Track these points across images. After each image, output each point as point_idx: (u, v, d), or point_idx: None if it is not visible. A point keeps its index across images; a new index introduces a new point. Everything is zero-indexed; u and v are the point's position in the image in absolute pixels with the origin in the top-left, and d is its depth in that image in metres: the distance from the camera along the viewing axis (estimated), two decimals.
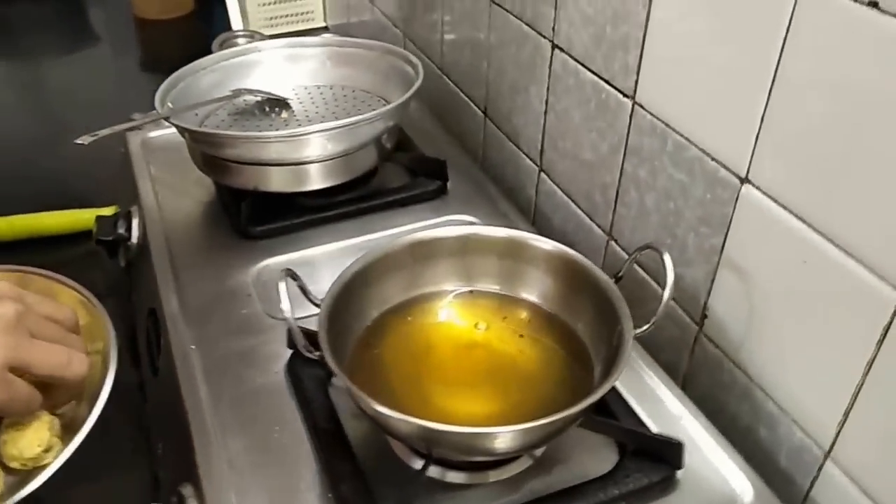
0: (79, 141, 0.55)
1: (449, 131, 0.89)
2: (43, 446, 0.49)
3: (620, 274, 0.53)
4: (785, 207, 0.48)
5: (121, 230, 0.70)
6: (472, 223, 0.72)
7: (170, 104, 0.69)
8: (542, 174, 0.77)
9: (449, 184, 0.76)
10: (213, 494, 0.47)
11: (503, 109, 0.82)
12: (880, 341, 0.44)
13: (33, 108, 1.28)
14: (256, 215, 0.69)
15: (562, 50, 0.67)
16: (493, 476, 0.50)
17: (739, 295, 0.55)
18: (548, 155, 0.75)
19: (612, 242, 0.69)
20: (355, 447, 0.50)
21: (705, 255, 0.57)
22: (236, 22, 1.22)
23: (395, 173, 0.78)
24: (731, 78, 0.50)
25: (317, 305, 0.49)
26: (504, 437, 0.44)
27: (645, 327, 0.49)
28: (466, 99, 0.90)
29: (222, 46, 1.01)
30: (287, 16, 1.34)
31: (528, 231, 0.70)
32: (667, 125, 0.57)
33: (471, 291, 0.57)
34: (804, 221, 0.47)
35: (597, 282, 0.52)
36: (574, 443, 0.51)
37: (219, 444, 0.51)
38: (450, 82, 0.93)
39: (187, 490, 0.48)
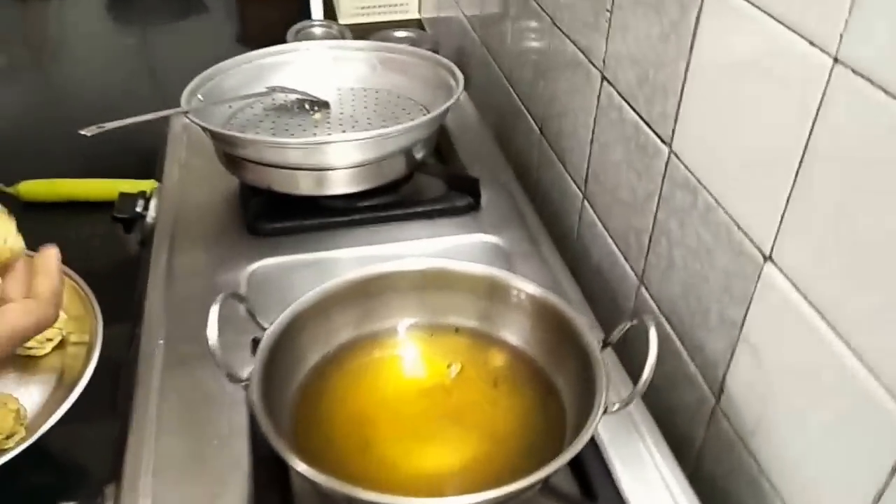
0: (83, 132, 0.55)
1: (508, 145, 0.85)
2: (4, 434, 0.49)
3: (610, 340, 0.47)
4: (805, 297, 0.42)
5: (138, 209, 0.70)
6: (495, 245, 0.68)
7: (199, 97, 0.67)
8: (586, 203, 0.72)
9: (487, 200, 0.72)
10: (129, 499, 0.45)
11: (554, 129, 0.77)
12: (893, 470, 0.37)
13: (132, 70, 1.32)
14: (269, 211, 0.67)
15: (609, 83, 0.62)
16: None
17: (755, 377, 0.48)
18: (591, 186, 0.70)
19: (643, 289, 0.63)
20: (294, 480, 0.46)
21: (726, 326, 0.50)
22: (317, 11, 1.21)
23: (432, 183, 0.74)
24: (761, 148, 0.44)
25: (263, 330, 0.46)
26: None
27: (616, 407, 0.43)
28: (526, 113, 0.85)
29: (297, 36, 1.00)
30: (379, 6, 1.32)
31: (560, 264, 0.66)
32: (699, 181, 0.51)
33: (455, 329, 0.53)
34: (823, 318, 0.40)
35: (581, 344, 0.47)
36: None
37: (151, 447, 0.48)
38: (514, 94, 0.88)
39: (109, 490, 0.46)
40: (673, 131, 0.53)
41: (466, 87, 0.72)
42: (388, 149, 0.65)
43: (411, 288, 0.52)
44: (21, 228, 0.56)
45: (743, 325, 0.48)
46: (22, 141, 0.98)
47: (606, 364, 0.46)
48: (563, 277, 0.65)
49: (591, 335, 0.47)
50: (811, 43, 0.38)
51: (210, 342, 0.42)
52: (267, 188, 0.66)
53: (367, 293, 0.51)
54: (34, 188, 0.82)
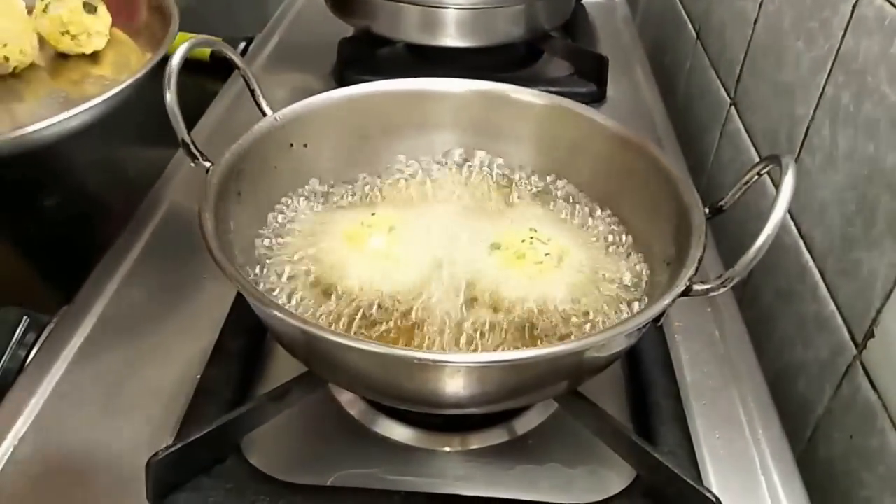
0: None
1: (661, 63, 0.68)
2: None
3: (722, 204, 0.30)
4: None
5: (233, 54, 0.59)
6: None
7: None
8: (733, 109, 0.53)
9: (616, 96, 0.56)
10: (75, 315, 0.36)
11: (715, 23, 0.58)
12: None
13: None
14: (364, 61, 0.55)
15: None
16: (422, 439, 0.32)
17: None
18: (744, 81, 0.51)
19: None
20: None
21: None
22: None
23: (558, 70, 0.59)
24: None
25: (264, 114, 0.33)
26: (424, 366, 0.25)
27: (707, 287, 0.26)
28: (685, 15, 0.66)
29: None
30: None
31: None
32: None
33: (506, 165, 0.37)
34: None
35: (680, 202, 0.30)
36: (583, 447, 0.32)
37: (126, 267, 0.38)
38: None
39: (63, 310, 0.36)
40: None
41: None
42: None
43: (459, 113, 0.38)
44: None
45: None
46: None
47: (708, 233, 0.29)
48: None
49: (695, 196, 0.30)
50: None
51: (167, 99, 0.29)
52: (366, 29, 0.54)
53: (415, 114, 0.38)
54: None
